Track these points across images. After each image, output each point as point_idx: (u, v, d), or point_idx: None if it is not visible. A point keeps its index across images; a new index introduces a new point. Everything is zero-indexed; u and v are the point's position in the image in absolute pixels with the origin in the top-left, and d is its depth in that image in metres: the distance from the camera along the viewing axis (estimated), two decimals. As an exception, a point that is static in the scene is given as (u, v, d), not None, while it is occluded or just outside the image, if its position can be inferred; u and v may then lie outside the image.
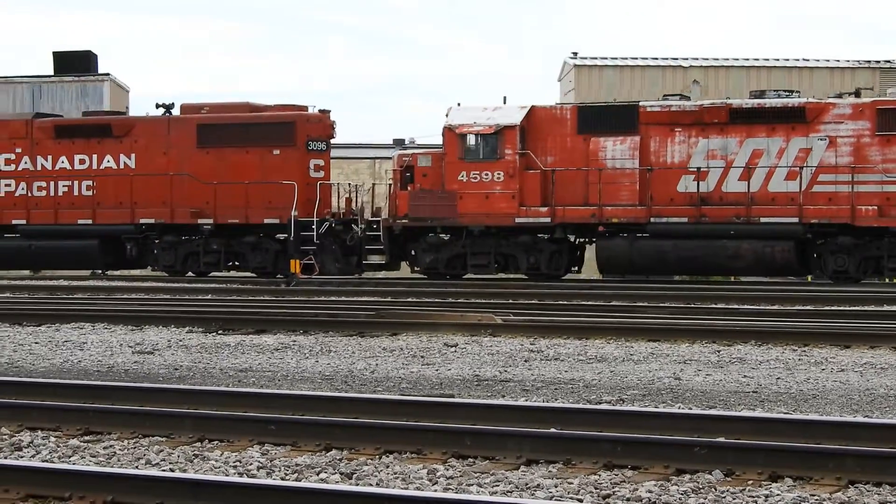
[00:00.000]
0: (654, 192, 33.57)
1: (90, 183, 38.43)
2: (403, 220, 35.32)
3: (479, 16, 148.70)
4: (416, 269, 36.17)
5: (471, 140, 34.61)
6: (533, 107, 35.02)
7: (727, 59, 51.72)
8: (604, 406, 11.67)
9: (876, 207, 32.09)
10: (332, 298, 26.91)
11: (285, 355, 16.71)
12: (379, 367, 15.39)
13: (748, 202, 32.92)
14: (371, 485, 8.55)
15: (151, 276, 38.08)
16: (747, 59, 51.77)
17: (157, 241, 38.19)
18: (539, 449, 9.37)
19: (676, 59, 51.84)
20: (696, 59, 51.76)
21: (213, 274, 37.96)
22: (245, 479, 8.51)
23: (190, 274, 37.74)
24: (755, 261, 33.07)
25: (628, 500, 8.08)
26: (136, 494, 7.93)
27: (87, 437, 10.40)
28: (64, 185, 38.64)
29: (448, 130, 35.03)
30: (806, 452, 8.92)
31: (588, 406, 11.57)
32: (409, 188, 35.64)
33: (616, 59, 51.91)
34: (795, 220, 32.62)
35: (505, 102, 35.43)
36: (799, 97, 34.46)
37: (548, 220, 34.26)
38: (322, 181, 37.04)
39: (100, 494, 8.00)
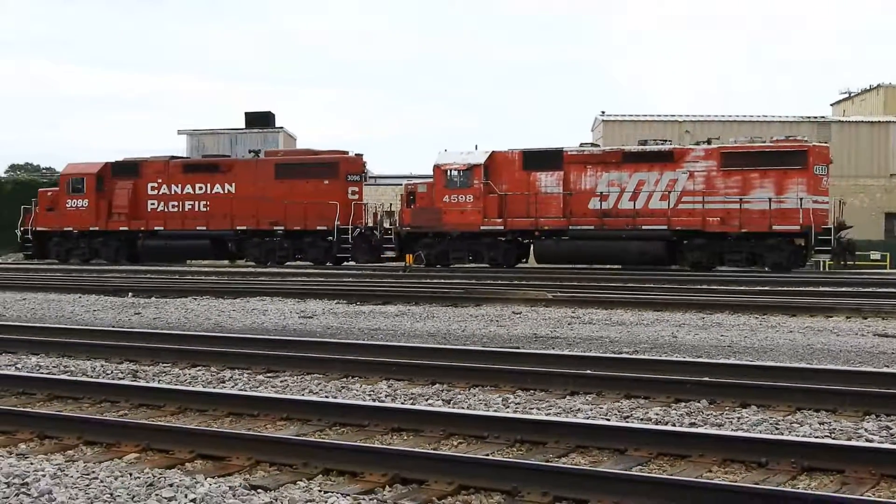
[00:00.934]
0: (573, 208, 35.07)
1: (206, 202, 40.38)
2: (407, 228, 37.16)
3: (527, 80, 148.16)
4: (423, 260, 37.29)
5: (451, 174, 36.37)
6: (493, 151, 36.58)
7: (709, 116, 51.20)
8: (623, 355, 11.59)
9: (719, 219, 33.38)
10: (434, 280, 26.88)
11: (403, 319, 16.73)
12: (467, 327, 15.37)
13: (634, 215, 34.20)
14: (462, 408, 8.56)
15: (308, 265, 38.20)
16: (724, 116, 51.16)
17: (249, 242, 39.98)
18: (579, 384, 9.35)
19: (674, 115, 51.40)
20: (688, 115, 51.31)
21: (287, 263, 39.22)
22: (376, 403, 8.55)
23: (269, 264, 38.84)
24: (639, 255, 34.30)
25: (641, 419, 8.04)
26: (301, 413, 8.00)
27: (269, 374, 10.49)
28: (189, 204, 40.60)
29: (437, 167, 36.78)
30: (767, 388, 8.83)
31: (613, 355, 11.50)
32: (411, 207, 37.42)
33: (632, 115, 51.57)
34: (665, 227, 33.77)
35: (476, 149, 37.01)
36: (670, 144, 35.92)
37: (502, 227, 35.83)
38: (356, 201, 38.86)
39: (277, 413, 8.08)
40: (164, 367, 11.05)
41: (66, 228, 41.90)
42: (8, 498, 5.57)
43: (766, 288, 23.35)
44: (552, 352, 11.81)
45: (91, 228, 41.40)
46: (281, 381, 10.01)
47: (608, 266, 35.32)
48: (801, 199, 32.07)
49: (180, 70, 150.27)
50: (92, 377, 10.32)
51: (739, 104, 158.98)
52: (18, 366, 11.24)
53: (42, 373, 10.56)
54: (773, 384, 8.93)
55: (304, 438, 6.99)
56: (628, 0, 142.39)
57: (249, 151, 41.95)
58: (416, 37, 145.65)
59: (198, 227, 40.23)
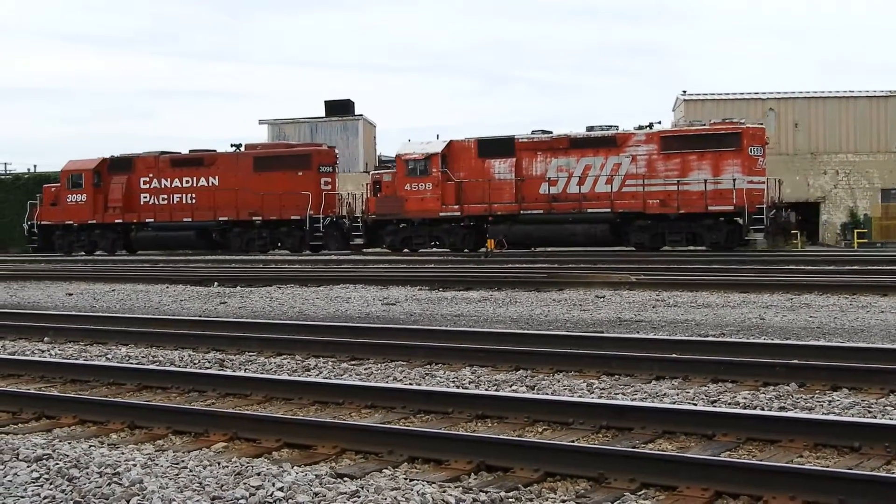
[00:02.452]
0: (524, 194, 36.66)
1: (192, 195, 42.57)
2: (373, 216, 39.07)
3: (610, 62, 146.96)
4: (383, 246, 39.25)
5: (411, 163, 37.91)
6: (451, 140, 38.13)
7: (793, 93, 50.09)
8: (710, 338, 11.44)
9: (659, 201, 34.57)
10: (516, 266, 26.81)
11: (486, 305, 16.71)
12: (550, 312, 15.31)
13: (581, 199, 35.64)
14: (547, 394, 8.52)
15: (388, 252, 38.38)
16: (808, 92, 50.02)
17: (231, 232, 42.08)
18: (665, 368, 9.24)
19: (757, 93, 50.42)
20: (771, 92, 50.26)
21: (271, 252, 40.74)
22: (460, 390, 8.55)
23: (252, 253, 40.27)
24: (585, 236, 35.61)
25: (729, 404, 7.92)
26: (385, 400, 8.02)
27: (353, 362, 10.54)
28: (177, 197, 42.90)
29: (398, 157, 38.76)
30: (858, 370, 8.65)
31: (699, 338, 11.36)
32: (377, 195, 39.17)
33: (713, 94, 50.72)
34: (609, 210, 35.19)
35: (438, 138, 38.49)
36: (616, 130, 36.23)
37: (459, 213, 37.39)
38: (328, 192, 40.84)
39: (362, 401, 8.11)
40: (250, 356, 11.17)
41: (67, 222, 44.69)
42: (101, 487, 5.67)
43: (855, 267, 22.90)
44: (637, 336, 11.70)
45: (90, 221, 44.16)
46: (365, 369, 10.06)
47: (679, 248, 35.79)
48: (734, 179, 33.23)
49: (263, 60, 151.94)
50: (180, 367, 10.48)
51: (832, 78, 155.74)
52: (109, 356, 11.46)
53: (132, 363, 10.76)
54: (864, 366, 8.74)
55: (388, 426, 7.02)
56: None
57: (231, 145, 43.59)
58: (491, 21, 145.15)
59: (184, 219, 42.68)
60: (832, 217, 48.88)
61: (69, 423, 7.72)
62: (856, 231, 45.96)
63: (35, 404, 8.16)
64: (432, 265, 28.02)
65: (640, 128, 35.82)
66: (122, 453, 6.63)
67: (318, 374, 9.86)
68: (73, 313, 16.29)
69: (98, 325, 13.96)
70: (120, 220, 43.65)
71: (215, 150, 43.70)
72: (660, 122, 36.08)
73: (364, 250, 38.58)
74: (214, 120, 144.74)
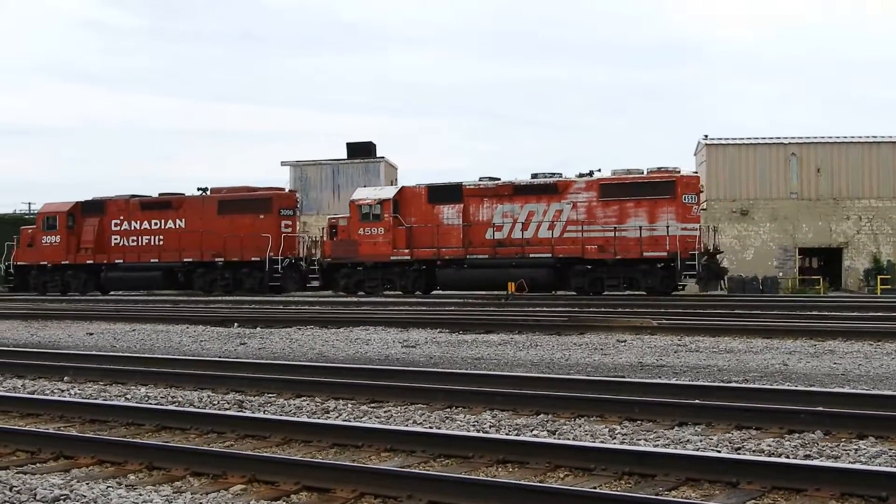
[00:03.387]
0: (471, 238, 37.56)
1: (160, 237, 43.77)
2: (328, 259, 39.85)
3: (624, 104, 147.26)
4: (337, 290, 39.80)
5: (364, 208, 38.94)
6: (403, 187, 39.70)
7: (815, 138, 49.97)
8: (733, 384, 11.33)
9: (598, 247, 35.39)
10: (536, 309, 26.72)
11: (506, 348, 16.64)
12: (571, 356, 15.23)
13: (524, 244, 36.47)
14: (568, 439, 8.44)
15: (409, 296, 38.32)
16: (831, 137, 49.87)
17: (195, 272, 43.05)
18: (687, 414, 9.14)
19: (779, 138, 50.34)
20: (793, 137, 50.16)
21: (223, 296, 40.95)
22: (481, 434, 8.46)
23: (217, 293, 41.65)
24: (528, 280, 35.77)
25: (753, 451, 7.82)
26: (405, 444, 7.96)
27: (372, 404, 10.48)
28: (146, 238, 44.12)
29: (352, 202, 39.79)
30: (885, 418, 8.53)
31: (722, 384, 11.25)
32: (332, 238, 40.06)
33: (735, 139, 50.68)
34: (550, 255, 35.94)
35: (392, 184, 41.14)
36: (560, 177, 36.97)
37: (409, 257, 38.20)
38: (288, 234, 41.90)
39: (381, 444, 8.05)
40: (270, 397, 11.13)
41: (41, 262, 45.81)
42: (118, 529, 5.63)
43: (879, 313, 22.72)
44: (659, 381, 11.59)
45: (63, 262, 45.21)
46: (385, 412, 9.99)
47: (714, 293, 35.30)
48: (668, 226, 34.13)
49: (283, 103, 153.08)
50: (199, 408, 10.44)
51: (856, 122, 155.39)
52: (128, 396, 11.44)
53: (151, 403, 10.73)
54: (891, 414, 8.62)
55: (408, 470, 6.95)
56: (723, 19, 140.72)
57: (198, 189, 44.81)
58: (507, 64, 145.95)
59: (151, 260, 43.73)
60: (855, 263, 48.60)
61: (87, 464, 7.68)
62: (879, 277, 45.67)
63: (53, 444, 8.13)
64: (452, 308, 27.94)
65: (581, 175, 36.79)
66: (140, 494, 6.60)
67: (337, 417, 9.80)
68: (94, 353, 16.29)
69: (118, 365, 13.96)
70: (91, 261, 44.81)
71: (183, 194, 44.89)
72: (599, 170, 37.05)
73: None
74: (236, 161, 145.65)
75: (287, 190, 44.54)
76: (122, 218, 44.76)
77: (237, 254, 41.84)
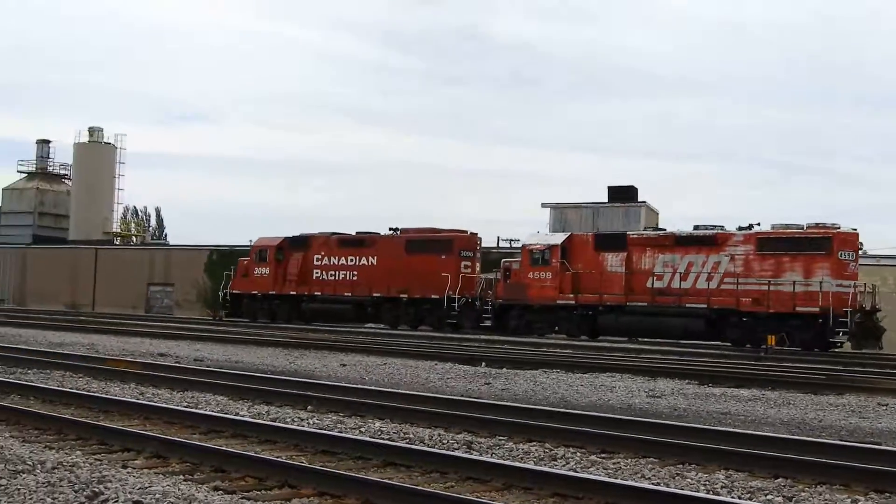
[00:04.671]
0: (633, 286, 38.19)
1: (355, 272, 46.52)
2: (500, 300, 41.22)
3: None
4: (508, 330, 40.32)
5: (535, 254, 40.31)
6: (572, 234, 41.27)
7: None
8: None
9: (752, 299, 35.38)
10: (795, 365, 25.47)
11: (756, 405, 15.89)
12: (825, 417, 14.35)
13: (682, 294, 36.88)
14: (806, 507, 7.86)
15: (663, 342, 37.54)
16: None
17: (382, 307, 45.56)
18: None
19: None
20: None
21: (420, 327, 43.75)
22: (708, 496, 8.01)
23: (402, 326, 44.49)
24: (683, 330, 36.67)
25: None
26: (629, 499, 7.61)
27: (602, 455, 10.18)
28: (342, 274, 46.92)
29: (524, 247, 41.39)
30: None
31: None
32: (506, 281, 41.37)
33: None
34: (706, 305, 36.19)
35: (563, 230, 42.40)
36: (720, 230, 37.21)
37: (573, 301, 39.20)
38: (466, 274, 43.56)
39: (603, 497, 7.74)
40: (500, 439, 11.01)
41: (253, 292, 49.25)
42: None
43: None
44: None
45: (271, 292, 48.56)
46: (614, 463, 9.68)
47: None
48: (821, 282, 33.83)
49: (548, 145, 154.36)
50: (427, 445, 10.44)
51: None
52: (362, 429, 11.60)
53: (381, 438, 10.82)
54: None
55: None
56: None
57: (390, 229, 47.50)
58: (786, 109, 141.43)
59: (345, 293, 46.52)
60: None
61: (308, 494, 7.79)
62: None
63: (281, 472, 8.31)
64: (705, 359, 27.07)
65: (741, 228, 37.01)
66: (351, 531, 6.59)
67: (564, 465, 9.55)
68: (340, 384, 16.71)
69: (358, 398, 14.23)
70: (294, 292, 47.83)
71: (378, 233, 47.65)
72: (759, 224, 36.93)
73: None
74: (498, 201, 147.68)
75: (469, 233, 46.21)
76: (322, 253, 47.81)
77: (419, 291, 44.03)
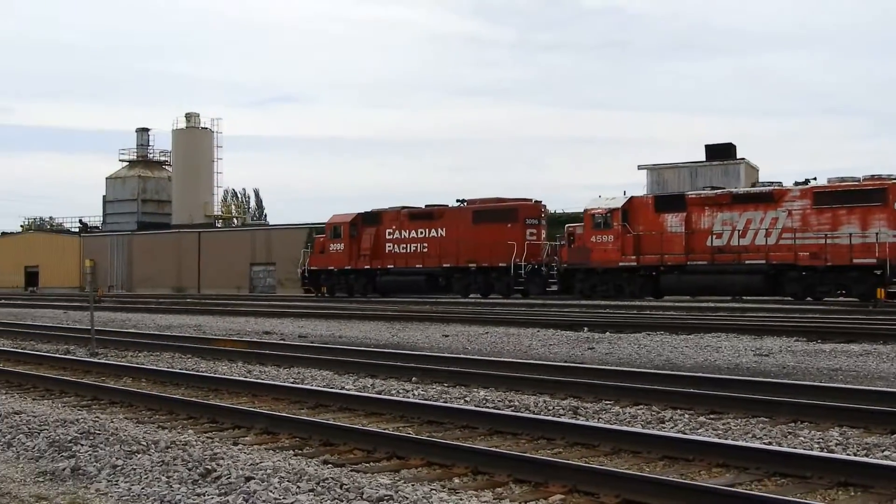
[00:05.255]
0: (693, 245, 38.99)
1: (424, 244, 47.95)
2: (565, 265, 42.60)
3: None
4: (577, 293, 41.93)
5: (597, 217, 41.30)
6: (632, 197, 41.34)
7: None
8: None
9: (810, 253, 35.97)
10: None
11: (868, 360, 15.51)
12: (943, 370, 13.97)
13: (741, 251, 37.69)
14: (926, 462, 7.63)
15: (773, 299, 36.92)
16: None
17: (453, 277, 46.96)
18: None
19: None
20: None
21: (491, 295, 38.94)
22: (822, 454, 7.83)
23: (473, 295, 45.92)
24: (743, 286, 37.51)
25: None
26: (739, 459, 7.48)
27: (711, 416, 10.04)
28: (413, 246, 48.41)
29: (586, 212, 42.18)
30: None
31: None
32: (570, 246, 42.55)
33: None
34: (764, 262, 37.02)
35: (624, 194, 41.78)
36: (778, 186, 38.01)
37: (635, 263, 40.11)
38: (531, 242, 44.72)
39: (713, 458, 7.60)
40: (606, 404, 10.92)
41: (329, 267, 51.10)
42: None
43: None
44: None
45: (346, 267, 50.26)
46: (723, 424, 9.53)
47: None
48: (878, 233, 34.27)
49: (644, 107, 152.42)
50: (533, 412, 10.41)
51: None
52: (467, 399, 11.62)
53: (487, 407, 10.81)
54: None
55: (735, 489, 6.52)
56: None
57: (457, 200, 48.47)
58: (886, 62, 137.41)
59: (416, 265, 47.98)
60: None
61: (417, 465, 7.81)
62: None
63: (388, 444, 8.34)
64: (814, 314, 26.53)
65: (797, 184, 37.54)
66: (461, 499, 6.60)
67: (672, 427, 9.44)
68: (444, 355, 16.76)
69: (462, 367, 14.25)
70: (368, 267, 49.34)
71: (446, 206, 48.76)
72: (815, 179, 37.48)
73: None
74: (594, 166, 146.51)
75: (533, 201, 46.76)
76: (394, 227, 49.14)
77: (487, 259, 45.13)
